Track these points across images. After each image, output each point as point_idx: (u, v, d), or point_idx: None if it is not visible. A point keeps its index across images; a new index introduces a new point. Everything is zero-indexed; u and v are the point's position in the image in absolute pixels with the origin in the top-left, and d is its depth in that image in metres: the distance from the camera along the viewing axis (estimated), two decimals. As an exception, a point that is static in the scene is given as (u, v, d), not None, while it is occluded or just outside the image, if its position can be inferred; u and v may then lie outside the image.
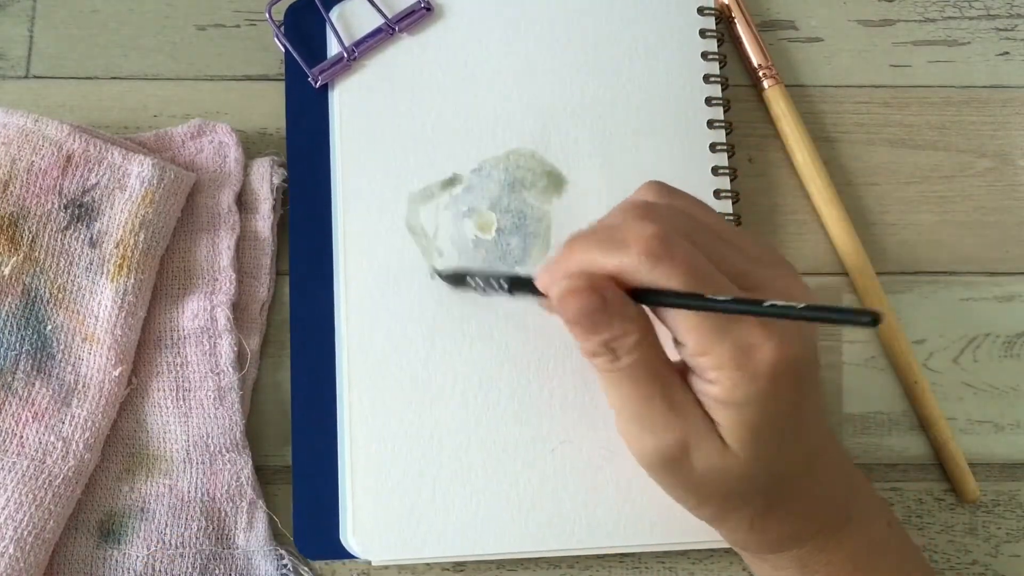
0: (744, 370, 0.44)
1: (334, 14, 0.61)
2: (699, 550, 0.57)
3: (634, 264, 0.44)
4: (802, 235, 0.62)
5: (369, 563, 0.56)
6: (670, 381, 0.46)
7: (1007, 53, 0.65)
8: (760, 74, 0.63)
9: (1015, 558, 0.58)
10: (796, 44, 0.65)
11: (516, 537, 0.55)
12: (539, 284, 0.48)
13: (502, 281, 0.51)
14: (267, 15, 0.61)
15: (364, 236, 0.58)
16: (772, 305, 0.41)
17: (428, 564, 0.57)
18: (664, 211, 0.47)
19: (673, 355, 0.46)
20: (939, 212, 0.62)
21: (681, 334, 0.45)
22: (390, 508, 0.55)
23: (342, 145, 0.59)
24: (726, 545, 0.55)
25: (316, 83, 0.60)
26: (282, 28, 0.62)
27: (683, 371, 0.47)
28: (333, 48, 0.61)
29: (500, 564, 0.57)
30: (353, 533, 0.55)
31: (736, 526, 0.49)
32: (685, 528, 0.54)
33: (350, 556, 0.55)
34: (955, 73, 0.65)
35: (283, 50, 0.62)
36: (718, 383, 0.44)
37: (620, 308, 0.45)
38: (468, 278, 0.54)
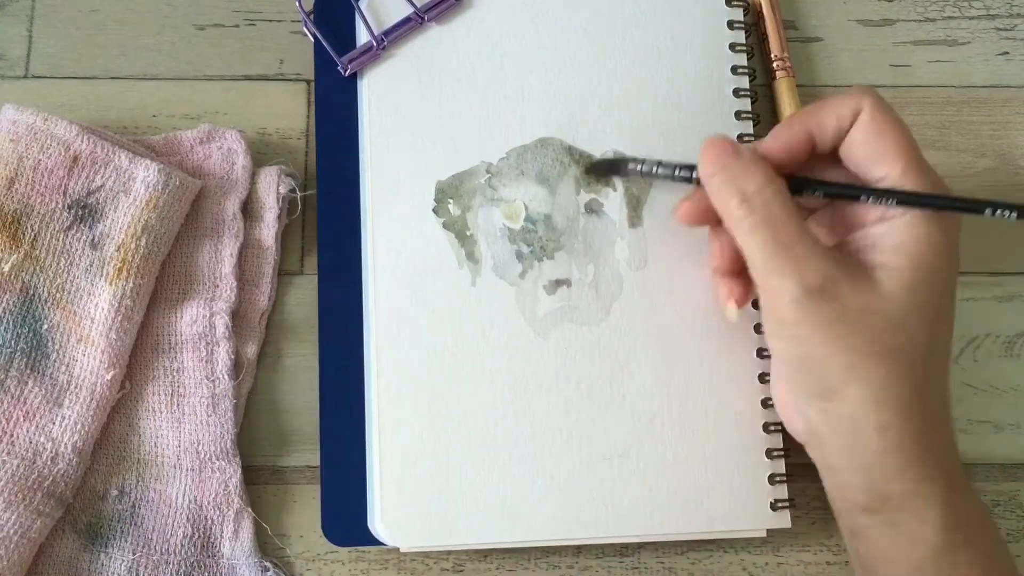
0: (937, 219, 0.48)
1: (363, 3, 0.62)
2: (699, 551, 0.57)
3: (864, 95, 0.49)
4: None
5: (397, 550, 0.56)
6: (807, 232, 0.48)
7: (1007, 53, 0.65)
8: (774, 65, 0.63)
9: (1015, 558, 0.58)
10: (796, 44, 0.65)
11: (543, 525, 0.55)
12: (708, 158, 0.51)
13: (682, 167, 0.54)
14: (297, 4, 0.61)
15: (392, 225, 0.58)
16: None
17: (449, 551, 0.57)
18: None
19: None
20: (939, 212, 0.63)
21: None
22: (417, 496, 0.55)
23: (371, 134, 0.60)
24: (741, 535, 0.56)
25: (345, 72, 0.60)
26: (311, 16, 0.62)
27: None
28: (362, 37, 0.61)
29: (522, 552, 0.57)
30: (381, 520, 0.55)
31: (888, 411, 0.48)
32: (711, 516, 0.56)
33: (378, 543, 0.55)
34: (955, 73, 0.65)
35: (312, 39, 0.62)
36: (892, 220, 0.48)
37: (753, 160, 0.49)
38: (632, 164, 0.56)
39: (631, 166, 0.56)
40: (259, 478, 0.57)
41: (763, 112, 0.63)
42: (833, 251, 0.48)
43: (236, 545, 0.55)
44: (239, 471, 0.56)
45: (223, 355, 0.56)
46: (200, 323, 0.57)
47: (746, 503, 0.56)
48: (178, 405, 0.56)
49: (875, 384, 0.47)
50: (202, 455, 0.55)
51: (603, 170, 0.58)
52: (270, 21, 0.63)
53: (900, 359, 0.47)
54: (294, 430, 0.58)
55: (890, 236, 0.48)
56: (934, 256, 0.48)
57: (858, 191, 0.49)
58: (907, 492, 0.48)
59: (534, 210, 0.59)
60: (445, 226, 0.58)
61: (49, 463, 0.53)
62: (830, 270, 0.47)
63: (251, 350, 0.58)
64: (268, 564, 0.55)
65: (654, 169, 0.54)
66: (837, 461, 0.50)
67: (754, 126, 0.61)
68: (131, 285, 0.55)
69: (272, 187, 0.59)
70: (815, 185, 0.50)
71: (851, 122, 0.49)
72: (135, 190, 0.56)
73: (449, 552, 0.57)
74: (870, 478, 0.49)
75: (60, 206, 0.56)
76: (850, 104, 0.49)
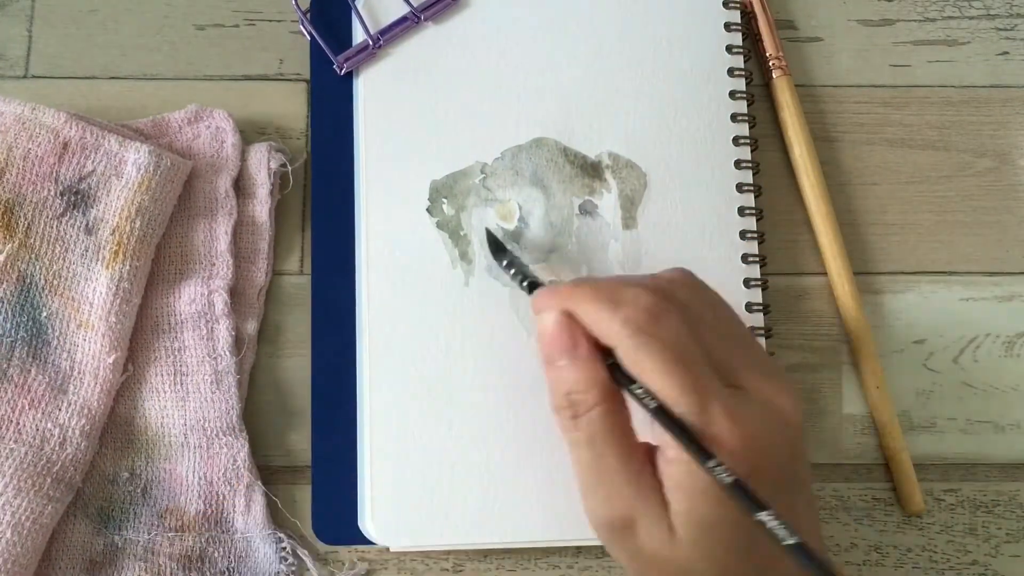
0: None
1: (360, 2, 0.62)
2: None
3: (617, 327, 0.45)
4: (794, 237, 0.62)
5: (387, 549, 0.56)
6: (629, 457, 0.45)
7: (1007, 53, 0.65)
8: (770, 64, 0.63)
9: (1015, 558, 0.58)
10: (796, 44, 0.65)
11: (533, 526, 0.55)
12: (534, 304, 0.49)
13: (526, 279, 0.53)
14: (293, 2, 0.61)
15: (386, 224, 0.58)
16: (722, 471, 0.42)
17: (449, 551, 0.57)
18: (678, 292, 0.47)
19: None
20: (939, 212, 0.62)
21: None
22: (408, 495, 0.55)
23: (365, 133, 0.60)
24: None
25: (341, 71, 0.61)
26: (308, 15, 0.62)
27: (652, 450, 0.46)
28: (358, 36, 0.61)
29: (510, 553, 0.57)
30: (371, 519, 0.55)
31: None
32: None
33: (367, 542, 0.55)
34: (955, 73, 0.64)
35: (308, 38, 0.62)
36: (677, 463, 0.44)
37: (589, 362, 0.46)
38: (503, 256, 0.55)
39: (503, 257, 0.56)
40: (263, 478, 0.57)
41: (759, 113, 0.62)
42: (644, 483, 0.44)
43: (249, 519, 0.56)
44: (247, 446, 0.56)
45: (223, 332, 0.57)
46: (199, 302, 0.57)
47: None
48: (182, 384, 0.56)
49: None
50: (209, 432, 0.56)
51: (491, 246, 0.57)
52: (270, 21, 0.63)
53: None
54: (296, 426, 0.58)
55: (675, 476, 0.44)
56: (712, 508, 0.43)
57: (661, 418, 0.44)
58: None
59: (528, 210, 0.59)
60: (439, 226, 0.58)
61: (57, 449, 0.53)
62: (633, 507, 0.44)
63: (251, 326, 0.58)
64: (282, 536, 0.56)
65: (507, 266, 0.55)
66: None
67: (750, 128, 0.61)
68: (128, 268, 0.55)
69: (263, 163, 0.59)
70: (626, 379, 0.46)
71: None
72: (127, 173, 0.56)
73: (449, 552, 0.57)
74: None
75: (52, 193, 0.56)
76: (606, 338, 0.46)
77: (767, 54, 0.63)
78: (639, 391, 0.45)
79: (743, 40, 0.62)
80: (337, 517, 0.56)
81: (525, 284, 0.53)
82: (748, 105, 0.61)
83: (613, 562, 0.57)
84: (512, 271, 0.54)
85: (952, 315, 0.61)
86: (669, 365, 0.44)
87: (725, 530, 0.43)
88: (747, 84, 0.61)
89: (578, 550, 0.57)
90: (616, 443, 0.45)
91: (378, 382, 0.56)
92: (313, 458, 0.57)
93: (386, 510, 0.55)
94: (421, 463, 0.56)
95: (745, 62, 0.62)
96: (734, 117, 0.60)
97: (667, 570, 0.45)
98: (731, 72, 0.61)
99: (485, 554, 0.57)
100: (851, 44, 0.65)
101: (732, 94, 0.61)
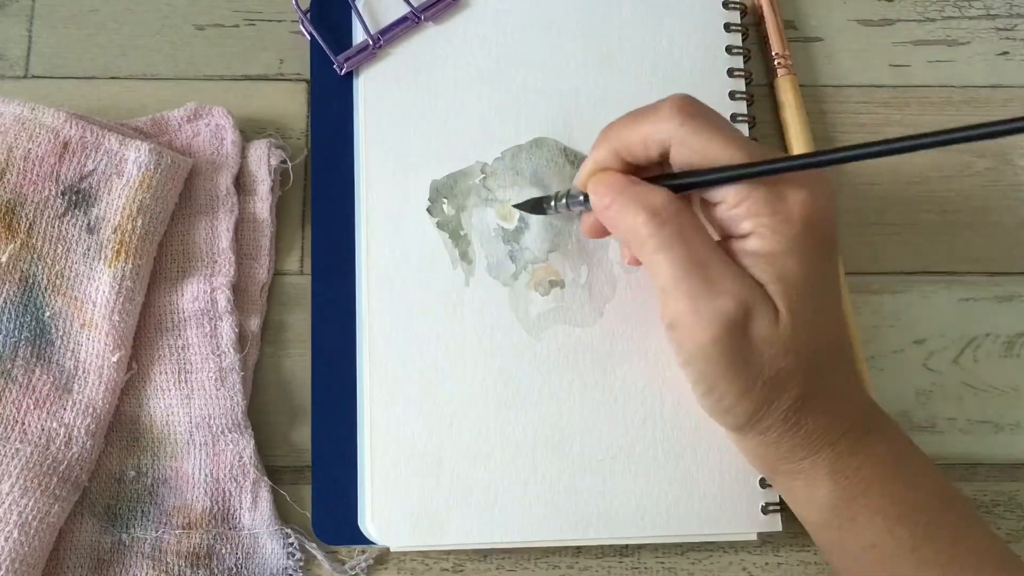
0: (779, 215, 0.46)
1: (360, 2, 0.62)
2: (699, 551, 0.57)
3: (666, 123, 0.47)
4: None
5: (387, 549, 0.56)
6: (716, 248, 0.47)
7: (1007, 53, 0.65)
8: (776, 63, 0.62)
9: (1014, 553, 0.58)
10: (796, 44, 0.65)
11: (533, 526, 0.56)
12: (577, 182, 0.51)
13: (568, 197, 0.53)
14: (294, 2, 0.62)
15: (386, 224, 0.59)
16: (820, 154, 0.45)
17: (449, 551, 0.57)
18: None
19: None
20: (939, 212, 0.62)
21: (718, 192, 0.47)
22: (408, 495, 0.56)
23: (366, 133, 0.60)
24: (731, 539, 0.56)
25: (341, 71, 0.61)
26: (308, 15, 0.62)
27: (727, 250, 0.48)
28: (358, 36, 0.61)
29: (509, 553, 0.57)
30: (371, 519, 0.55)
31: (772, 424, 0.49)
32: (702, 519, 0.56)
33: (368, 542, 0.56)
34: (955, 73, 0.64)
35: (308, 38, 0.62)
36: (755, 232, 0.47)
37: (647, 186, 0.48)
38: (545, 204, 0.56)
39: (544, 204, 0.56)
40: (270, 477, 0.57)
41: (760, 114, 0.62)
42: (740, 272, 0.47)
43: (256, 515, 0.56)
44: (252, 442, 0.56)
45: (227, 329, 0.57)
46: (202, 299, 0.57)
47: (737, 506, 0.56)
48: (186, 382, 0.56)
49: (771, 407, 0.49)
50: (214, 429, 0.56)
51: (528, 208, 0.57)
52: (270, 21, 0.64)
53: (792, 380, 0.48)
54: (300, 425, 0.58)
55: (762, 263, 0.47)
56: (805, 252, 0.47)
57: (733, 174, 0.47)
58: (793, 470, 0.51)
59: (528, 210, 0.59)
60: (439, 226, 0.58)
61: (63, 448, 0.54)
62: (743, 296, 0.46)
63: (254, 323, 0.58)
64: (289, 531, 0.56)
65: (564, 201, 0.54)
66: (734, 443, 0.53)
67: (750, 129, 0.61)
68: (130, 266, 0.55)
69: (263, 160, 0.59)
70: (685, 178, 0.48)
71: (660, 151, 0.48)
72: (127, 171, 0.56)
73: (449, 552, 0.57)
74: (762, 463, 0.53)
75: (53, 193, 0.56)
76: (657, 135, 0.48)
77: (773, 52, 0.63)
78: (707, 177, 0.47)
79: (743, 40, 0.62)
80: (337, 517, 0.56)
81: (577, 198, 0.52)
82: (748, 106, 0.61)
83: (613, 562, 0.57)
84: (560, 202, 0.54)
85: (952, 315, 0.61)
86: (726, 134, 0.47)
87: (808, 287, 0.47)
88: (747, 85, 0.61)
89: (578, 550, 0.57)
90: (703, 233, 0.48)
91: (378, 382, 0.57)
92: (313, 458, 0.57)
93: (386, 510, 0.55)
94: (421, 463, 0.56)
95: (745, 62, 0.62)
96: (734, 117, 0.60)
97: (775, 359, 0.47)
98: (731, 73, 0.61)
99: (485, 554, 0.57)
100: (851, 44, 0.65)
101: (732, 95, 0.61)
